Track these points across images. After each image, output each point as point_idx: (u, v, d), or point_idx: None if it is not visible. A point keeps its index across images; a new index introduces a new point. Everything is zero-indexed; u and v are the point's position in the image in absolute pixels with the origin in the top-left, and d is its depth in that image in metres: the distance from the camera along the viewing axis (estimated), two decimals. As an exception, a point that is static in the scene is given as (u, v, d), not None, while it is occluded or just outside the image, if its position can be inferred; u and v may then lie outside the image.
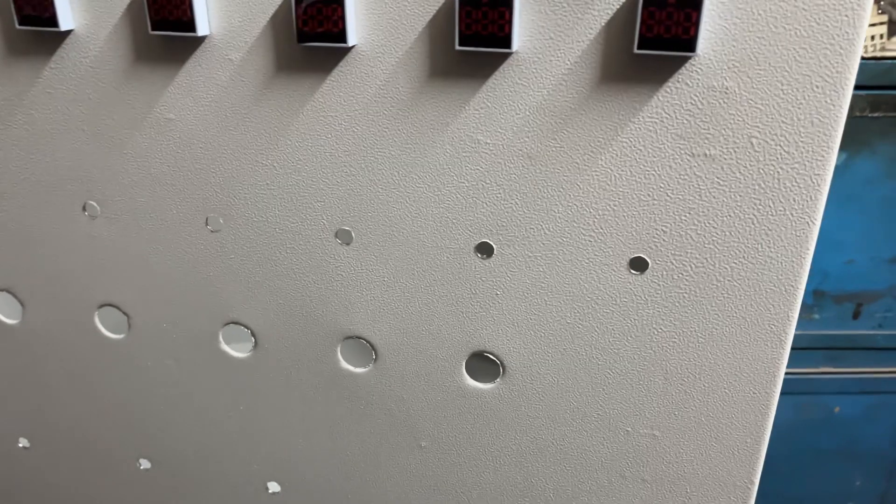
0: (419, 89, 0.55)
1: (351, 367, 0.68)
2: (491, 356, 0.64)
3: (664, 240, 0.56)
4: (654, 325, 0.59)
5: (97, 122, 0.63)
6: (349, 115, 0.57)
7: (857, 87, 1.29)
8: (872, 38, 1.40)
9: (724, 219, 0.54)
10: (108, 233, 0.68)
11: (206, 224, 0.65)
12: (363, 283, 0.64)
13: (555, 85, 0.53)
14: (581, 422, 0.65)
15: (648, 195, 0.55)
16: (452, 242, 0.60)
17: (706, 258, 0.56)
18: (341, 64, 0.56)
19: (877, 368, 1.55)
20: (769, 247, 0.54)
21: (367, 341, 0.66)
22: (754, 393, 0.60)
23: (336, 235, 0.62)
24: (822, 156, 0.51)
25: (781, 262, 0.55)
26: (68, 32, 0.60)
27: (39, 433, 0.84)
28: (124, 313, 0.72)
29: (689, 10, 0.48)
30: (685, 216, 0.55)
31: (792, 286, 0.55)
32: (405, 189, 0.59)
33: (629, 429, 0.64)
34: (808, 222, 0.53)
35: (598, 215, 0.56)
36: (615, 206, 0.56)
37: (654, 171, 0.54)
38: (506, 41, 0.51)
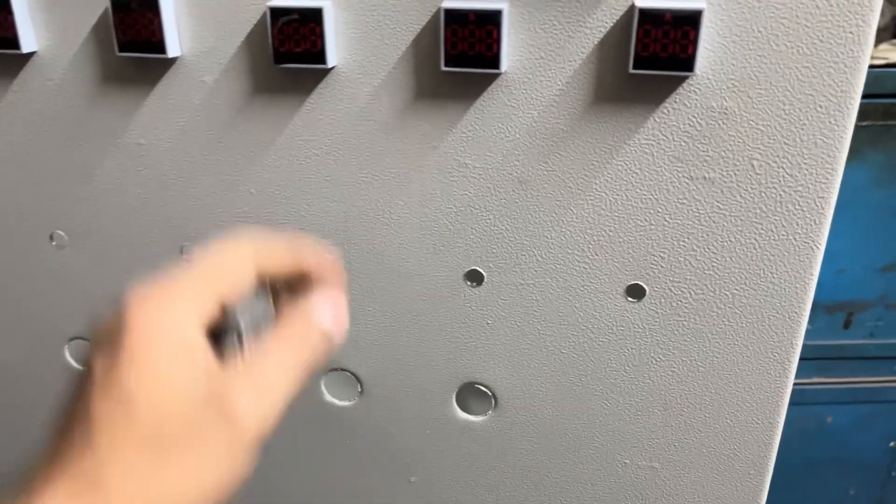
0: (403, 111, 0.53)
1: (335, 401, 0.65)
2: (483, 387, 0.61)
3: (662, 266, 0.53)
4: (653, 355, 0.57)
5: (63, 148, 0.60)
6: (330, 139, 0.55)
7: (844, 96, 1.28)
8: (859, 45, 1.39)
9: (725, 244, 0.52)
10: (77, 263, 0.64)
11: (181, 253, 0.62)
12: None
13: (546, 106, 0.51)
14: (577, 454, 0.62)
15: (645, 220, 0.52)
16: (440, 270, 0.57)
17: (706, 285, 0.53)
18: (321, 86, 0.53)
19: (868, 378, 1.54)
20: (772, 273, 0.52)
21: (352, 373, 0.63)
22: (757, 423, 0.57)
23: (318, 264, 0.59)
24: (827, 178, 0.49)
25: (785, 289, 0.52)
26: (31, 55, 0.57)
27: (6, 469, 0.80)
28: (96, 346, 0.68)
29: (687, 27, 0.46)
30: (684, 241, 0.52)
31: (796, 313, 0.53)
32: (390, 215, 0.56)
33: (627, 461, 0.61)
34: (812, 247, 0.51)
35: (593, 241, 0.54)
36: (610, 231, 0.53)
37: (652, 194, 0.51)
38: (494, 61, 0.49)
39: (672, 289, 0.54)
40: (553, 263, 0.55)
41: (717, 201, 0.51)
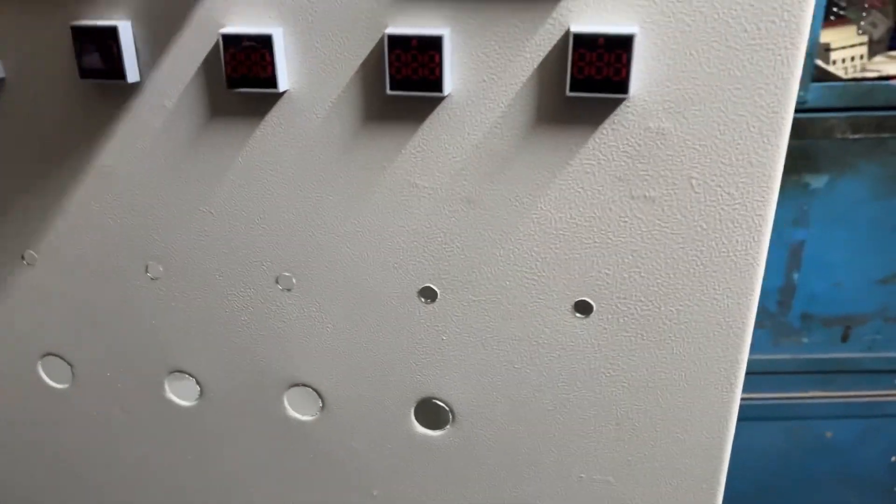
0: (354, 133, 0.54)
1: (298, 415, 0.66)
2: (440, 402, 0.62)
3: (608, 283, 0.54)
4: (603, 370, 0.57)
5: (32, 170, 0.62)
6: (285, 160, 0.56)
7: (837, 110, 1.28)
8: (853, 58, 1.39)
9: (668, 261, 0.53)
10: (48, 281, 0.66)
11: (147, 272, 0.63)
12: (306, 329, 0.62)
13: (490, 128, 0.52)
14: (533, 468, 0.63)
15: (590, 237, 0.53)
16: (396, 287, 0.59)
17: (651, 301, 0.54)
18: (274, 109, 0.55)
19: (867, 392, 1.53)
20: (714, 289, 0.53)
21: (314, 388, 0.65)
22: (707, 437, 0.58)
23: (277, 281, 0.61)
24: (763, 196, 0.49)
25: (727, 304, 0.53)
26: (1, 80, 0.59)
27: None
28: (67, 362, 0.70)
29: (619, 51, 0.47)
30: (628, 259, 0.53)
31: (739, 328, 0.54)
32: (345, 233, 0.58)
33: (582, 475, 0.62)
34: (752, 263, 0.52)
35: (540, 258, 0.55)
36: (556, 248, 0.54)
37: (595, 213, 0.53)
38: (437, 85, 0.50)
39: (618, 305, 0.55)
40: (503, 280, 0.56)
41: (659, 219, 0.52)
